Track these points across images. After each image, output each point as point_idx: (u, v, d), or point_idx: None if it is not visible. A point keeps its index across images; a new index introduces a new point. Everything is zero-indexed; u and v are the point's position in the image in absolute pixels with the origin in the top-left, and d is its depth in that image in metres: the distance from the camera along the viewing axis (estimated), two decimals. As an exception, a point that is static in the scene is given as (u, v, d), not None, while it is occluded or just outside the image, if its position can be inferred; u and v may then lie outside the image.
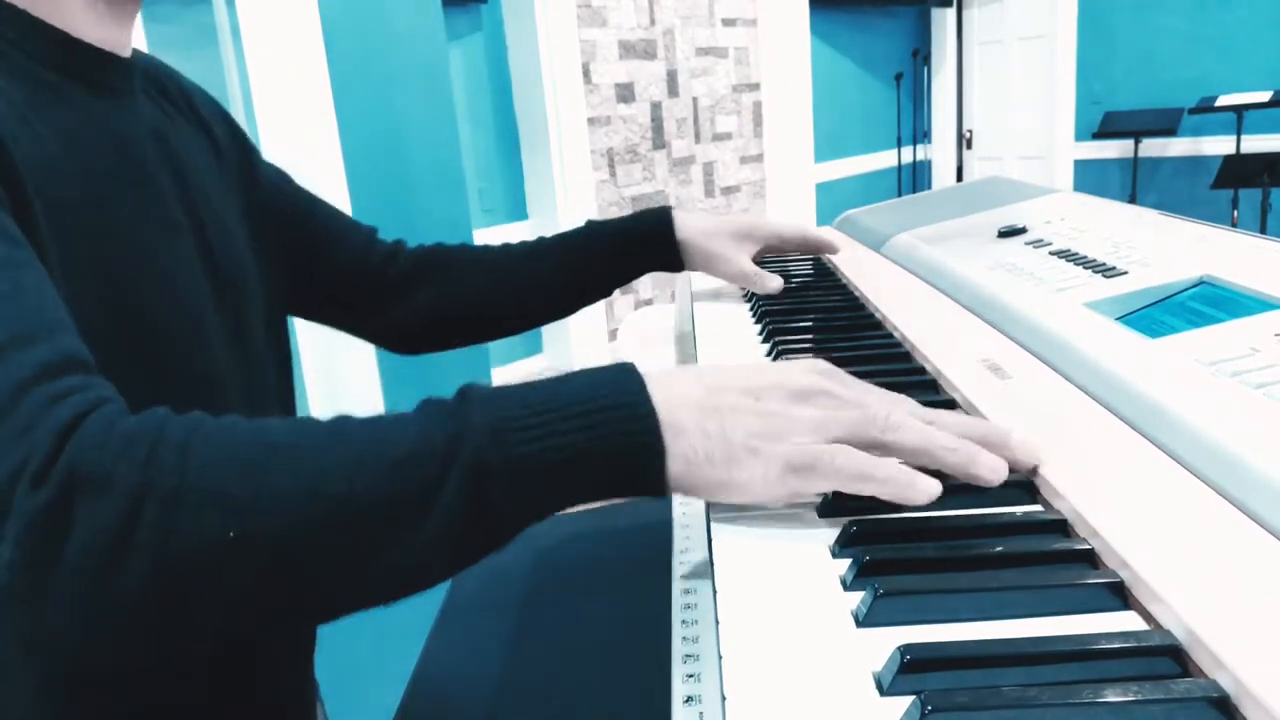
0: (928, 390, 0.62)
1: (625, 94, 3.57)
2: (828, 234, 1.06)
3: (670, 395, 0.43)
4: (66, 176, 0.53)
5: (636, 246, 0.90)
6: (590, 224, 0.92)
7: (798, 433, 0.44)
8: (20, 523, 0.35)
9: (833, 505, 0.46)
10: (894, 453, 0.46)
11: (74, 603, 0.36)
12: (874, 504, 0.45)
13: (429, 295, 0.88)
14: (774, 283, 0.91)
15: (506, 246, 0.92)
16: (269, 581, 0.39)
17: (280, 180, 0.83)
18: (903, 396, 0.50)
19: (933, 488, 0.44)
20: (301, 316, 0.87)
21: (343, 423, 0.42)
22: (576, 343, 3.39)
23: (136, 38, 0.68)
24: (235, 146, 0.77)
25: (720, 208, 4.10)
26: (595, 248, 0.91)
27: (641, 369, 0.45)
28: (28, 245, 0.46)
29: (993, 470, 0.46)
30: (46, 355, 0.40)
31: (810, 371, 0.48)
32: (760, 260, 0.96)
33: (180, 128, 0.68)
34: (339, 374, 1.42)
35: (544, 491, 0.41)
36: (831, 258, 1.06)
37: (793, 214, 4.42)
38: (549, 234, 0.92)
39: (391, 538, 0.39)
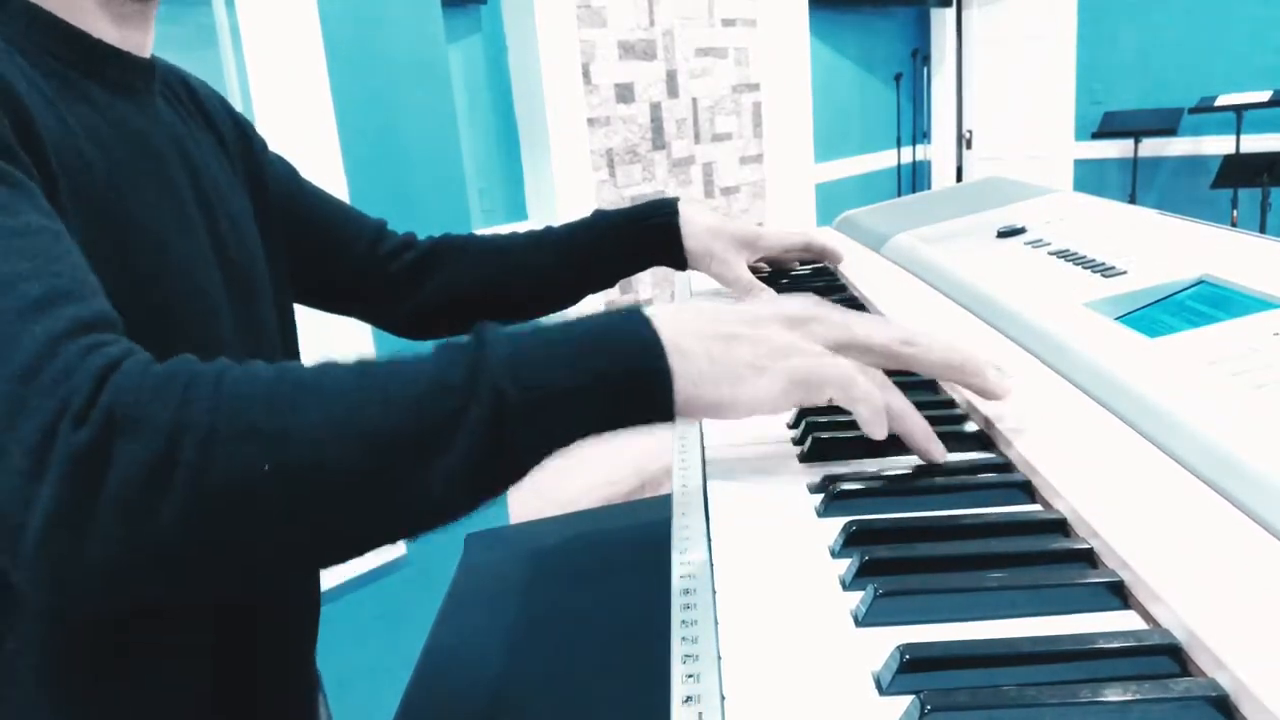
0: (927, 390, 0.62)
1: (625, 94, 3.56)
2: (829, 237, 1.06)
3: (675, 325, 0.46)
4: (89, 166, 0.55)
5: (641, 237, 0.90)
6: (597, 213, 0.92)
7: (794, 352, 0.48)
8: (63, 461, 0.37)
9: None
10: (874, 359, 0.50)
11: (115, 536, 0.38)
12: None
13: (438, 283, 0.89)
14: (762, 294, 0.90)
15: (515, 235, 0.93)
16: (301, 513, 0.40)
17: (288, 175, 0.84)
18: (892, 323, 0.53)
19: (880, 429, 0.48)
20: (315, 306, 0.88)
21: (365, 363, 0.43)
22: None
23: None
24: (243, 143, 0.78)
25: (720, 208, 4.10)
26: (601, 238, 0.91)
27: (648, 309, 0.48)
28: (59, 218, 0.48)
29: (978, 374, 0.51)
30: (85, 311, 0.43)
31: (804, 302, 0.51)
32: (758, 267, 0.96)
33: (193, 128, 0.70)
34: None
35: (559, 420, 0.43)
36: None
37: (792, 214, 4.42)
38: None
39: (417, 468, 0.41)
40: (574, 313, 0.94)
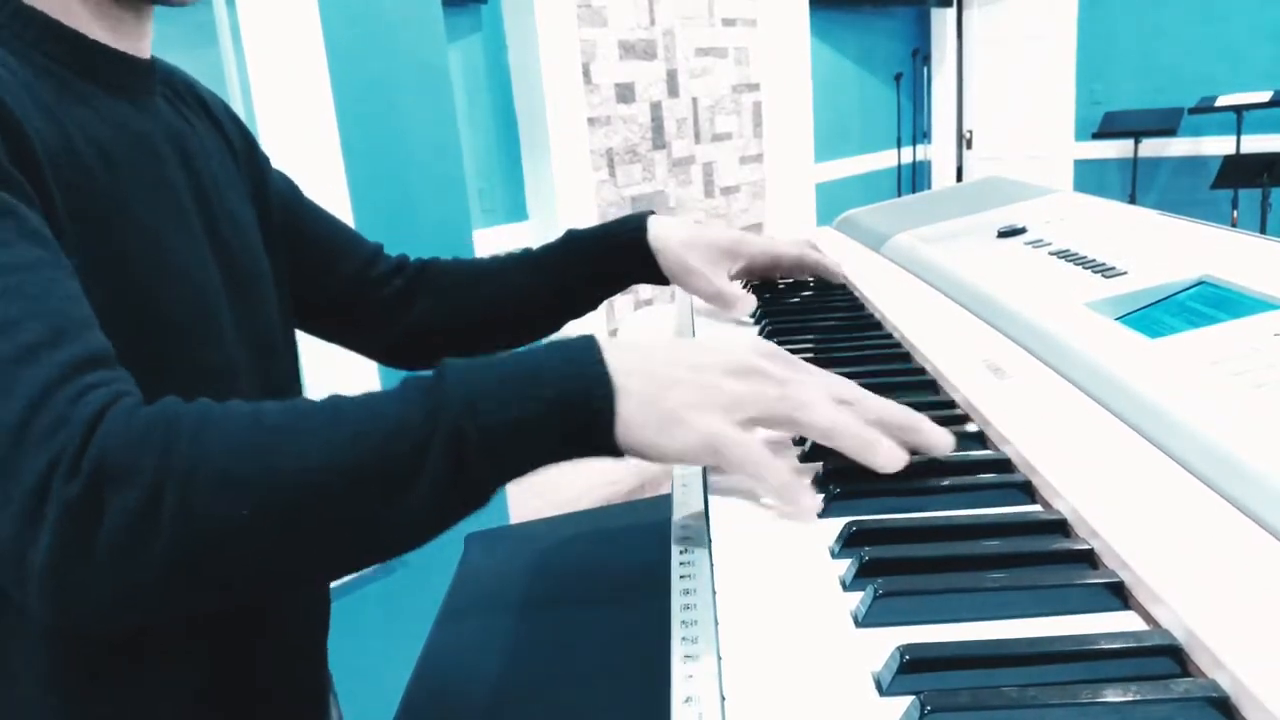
0: (928, 390, 0.62)
1: (625, 94, 3.56)
2: (829, 241, 1.04)
3: (622, 364, 0.47)
4: (87, 168, 0.55)
5: (613, 255, 0.86)
6: (568, 233, 0.89)
7: (722, 406, 0.48)
8: (58, 510, 0.40)
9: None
10: (803, 431, 0.50)
11: (108, 577, 0.41)
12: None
13: (421, 309, 0.88)
14: (744, 306, 0.85)
15: (494, 259, 0.91)
16: (281, 550, 0.43)
17: (289, 191, 0.84)
18: (840, 379, 0.52)
19: (814, 506, 0.47)
20: (303, 329, 0.87)
21: (335, 401, 0.46)
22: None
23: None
24: (248, 154, 0.78)
25: (720, 208, 4.10)
26: (571, 258, 0.87)
27: (602, 340, 0.49)
28: (55, 244, 0.49)
29: (888, 459, 0.48)
30: (73, 353, 0.45)
31: (753, 351, 0.51)
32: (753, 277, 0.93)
33: (196, 131, 0.69)
34: (338, 370, 1.42)
35: (514, 453, 0.46)
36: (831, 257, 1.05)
37: (792, 214, 4.42)
38: (549, 234, 0.91)
39: (385, 504, 0.44)
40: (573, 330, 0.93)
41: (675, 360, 0.49)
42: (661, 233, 0.85)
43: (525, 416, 0.45)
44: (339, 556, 0.46)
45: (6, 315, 0.44)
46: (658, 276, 0.86)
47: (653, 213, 0.87)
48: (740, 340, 0.53)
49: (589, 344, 0.48)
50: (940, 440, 0.50)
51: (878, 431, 0.49)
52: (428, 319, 0.88)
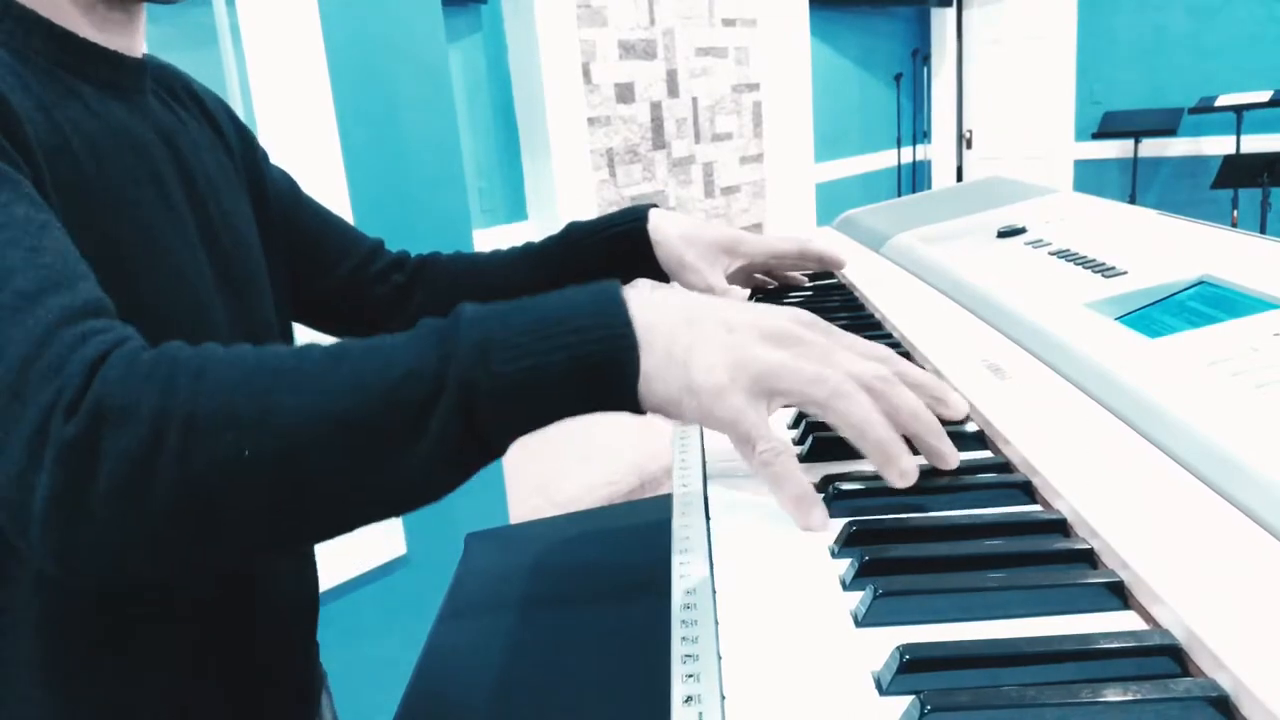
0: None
1: (625, 94, 3.56)
2: (827, 239, 1.03)
3: (648, 316, 0.45)
4: (78, 162, 0.55)
5: (613, 247, 0.86)
6: (570, 225, 0.88)
7: (753, 374, 0.45)
8: (56, 452, 0.39)
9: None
10: (831, 420, 0.47)
11: (107, 521, 0.40)
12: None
13: (420, 304, 0.88)
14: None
15: (494, 253, 0.91)
16: (281, 495, 0.42)
17: (288, 187, 0.84)
18: (883, 356, 0.50)
19: (823, 523, 0.45)
20: (302, 323, 0.87)
21: (344, 347, 0.44)
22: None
23: (136, 38, 0.69)
24: (245, 150, 0.78)
25: (720, 208, 4.10)
26: (572, 251, 0.87)
27: (627, 290, 0.47)
28: (48, 208, 0.49)
29: (903, 474, 0.46)
30: (72, 300, 0.44)
31: (792, 318, 0.49)
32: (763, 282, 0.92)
33: (190, 128, 0.70)
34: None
35: (528, 407, 0.44)
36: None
37: (792, 214, 4.42)
38: (548, 234, 0.91)
39: (391, 453, 0.42)
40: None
41: (703, 317, 0.47)
42: (662, 225, 0.84)
43: (541, 367, 0.43)
44: (339, 508, 0.44)
45: (4, 263, 0.44)
46: (656, 271, 0.86)
47: (655, 206, 0.87)
48: (775, 308, 0.50)
49: (613, 293, 0.46)
50: (951, 455, 0.49)
51: (903, 445, 0.47)
52: (427, 314, 0.88)
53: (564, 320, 0.44)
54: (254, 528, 0.43)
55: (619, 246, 0.86)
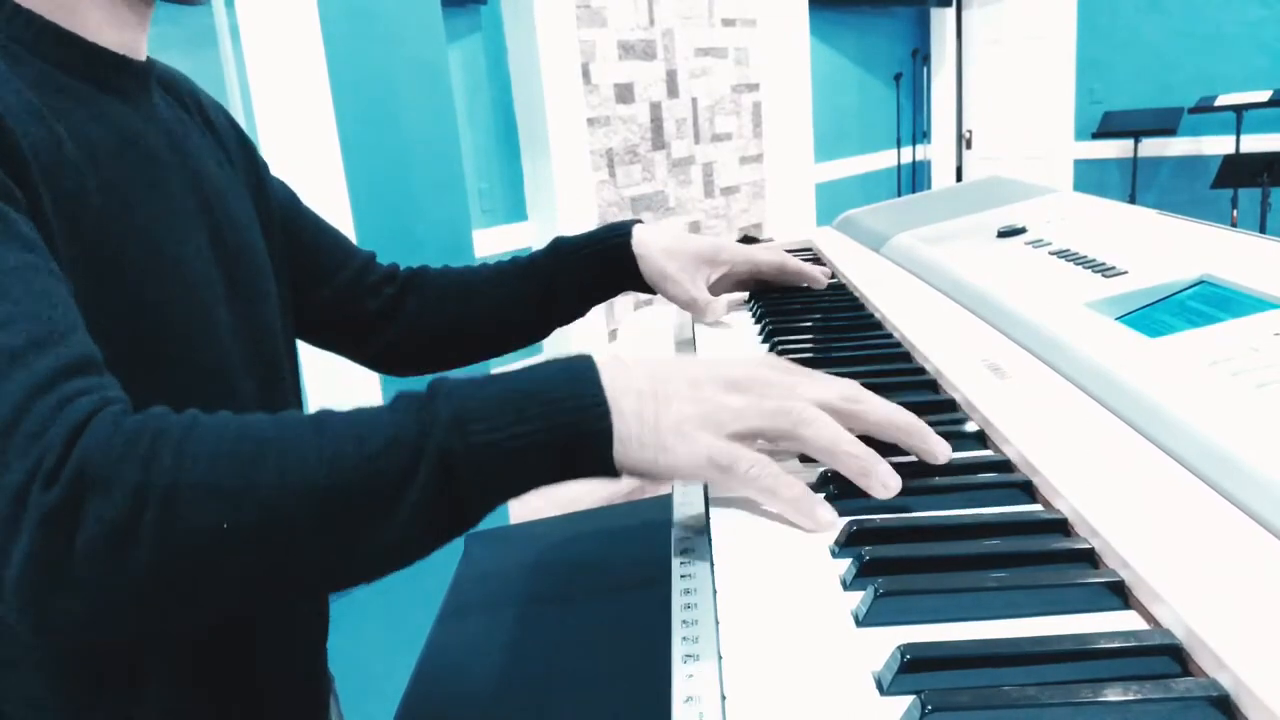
0: (927, 390, 0.62)
1: (625, 94, 3.56)
2: (825, 238, 1.03)
3: (620, 381, 0.46)
4: (79, 171, 0.54)
5: (598, 262, 0.87)
6: (557, 241, 0.89)
7: (724, 420, 0.47)
8: (35, 519, 0.39)
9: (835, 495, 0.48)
10: (803, 447, 0.48)
11: (85, 590, 0.40)
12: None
13: (409, 318, 0.88)
14: (715, 313, 0.86)
15: (486, 266, 0.91)
16: (261, 564, 0.42)
17: (287, 198, 0.84)
18: (845, 381, 0.51)
19: (829, 519, 0.46)
20: (297, 337, 0.87)
21: (324, 417, 0.45)
22: (577, 343, 3.40)
23: (136, 38, 0.69)
24: (246, 158, 0.77)
25: (720, 208, 4.10)
26: (558, 265, 0.88)
27: (599, 358, 0.48)
28: (42, 246, 0.48)
29: (884, 485, 0.47)
30: (58, 360, 0.44)
31: (755, 364, 0.51)
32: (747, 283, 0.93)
33: (193, 133, 0.69)
34: (340, 374, 1.42)
35: (504, 477, 0.45)
36: (831, 258, 1.06)
37: (792, 214, 4.42)
38: (549, 234, 0.91)
39: (370, 522, 0.43)
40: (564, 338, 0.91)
41: (670, 376, 0.48)
42: (645, 240, 0.86)
43: (517, 437, 0.44)
44: (318, 575, 0.45)
45: None
46: (642, 284, 0.87)
47: (639, 221, 0.88)
48: (745, 355, 0.52)
49: (586, 364, 0.47)
50: (940, 449, 0.50)
51: (877, 456, 0.48)
52: (416, 327, 0.88)
53: (538, 393, 0.45)
54: (232, 594, 0.43)
55: (604, 261, 0.87)
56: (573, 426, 0.45)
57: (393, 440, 0.43)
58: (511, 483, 0.45)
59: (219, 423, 0.44)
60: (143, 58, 0.64)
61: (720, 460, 0.46)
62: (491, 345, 0.91)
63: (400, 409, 0.45)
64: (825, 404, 0.49)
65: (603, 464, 0.46)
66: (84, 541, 0.39)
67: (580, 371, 0.47)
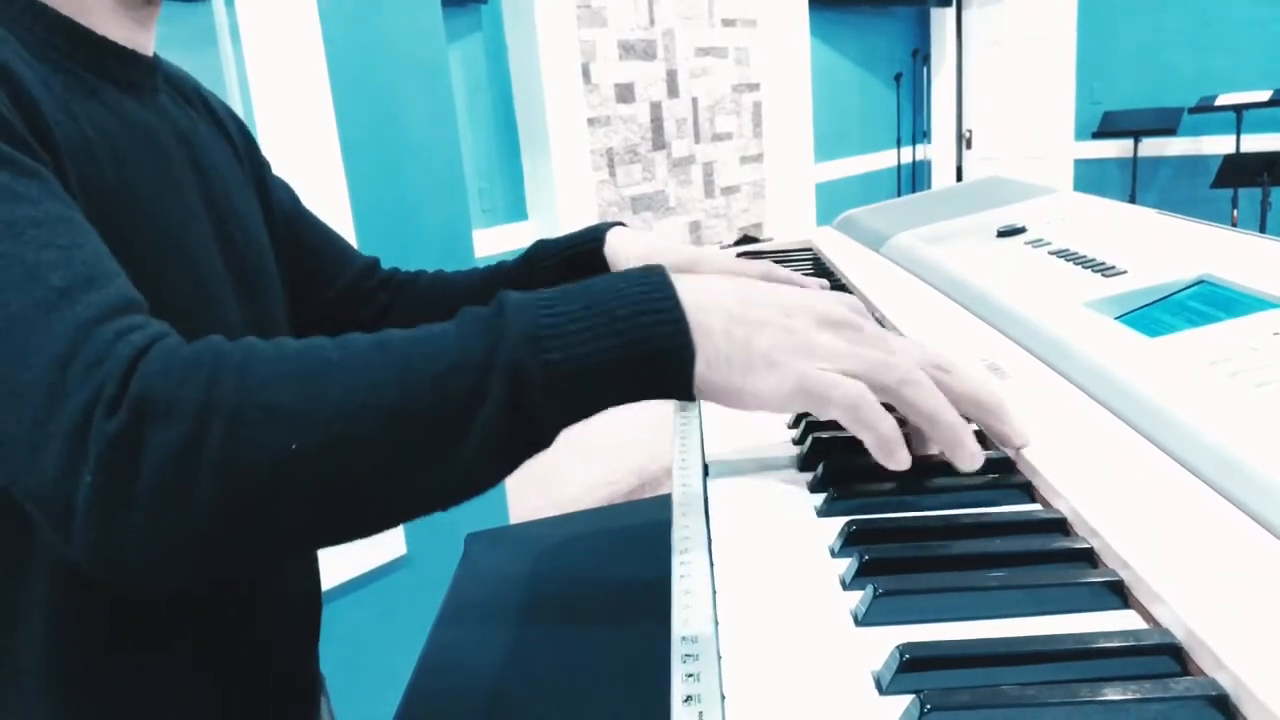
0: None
1: (625, 94, 3.57)
2: (825, 238, 1.03)
3: (700, 299, 0.45)
4: (97, 162, 0.55)
5: (570, 269, 0.85)
6: (535, 245, 0.88)
7: (818, 355, 0.45)
8: (98, 448, 0.39)
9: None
10: (901, 406, 0.46)
11: (154, 517, 0.39)
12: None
13: (394, 325, 0.88)
14: None
15: (475, 270, 0.91)
16: (328, 491, 0.41)
17: (289, 199, 0.84)
18: (923, 345, 0.50)
19: (905, 461, 0.45)
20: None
21: (388, 337, 0.44)
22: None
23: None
24: (250, 157, 0.78)
25: (720, 208, 4.10)
26: (535, 271, 0.86)
27: (674, 275, 0.46)
28: (75, 206, 0.49)
29: (971, 459, 0.46)
30: (108, 298, 0.44)
31: (841, 304, 0.49)
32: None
33: (202, 129, 0.70)
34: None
35: (580, 395, 0.43)
36: (831, 258, 1.06)
37: (792, 214, 4.42)
38: (549, 234, 0.91)
39: (440, 445, 0.42)
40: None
41: (760, 300, 0.46)
42: (619, 245, 0.84)
43: (593, 355, 0.42)
44: (386, 502, 0.43)
45: (40, 260, 0.44)
46: None
47: (621, 224, 0.86)
48: (823, 293, 0.50)
49: (660, 278, 0.46)
50: (1020, 433, 0.48)
51: (970, 430, 0.46)
52: None
53: (614, 307, 0.44)
54: (299, 523, 0.42)
55: (575, 267, 0.85)
56: (652, 344, 0.43)
57: (461, 358, 0.42)
58: (585, 401, 0.44)
59: (280, 345, 0.43)
60: (150, 54, 0.65)
61: (814, 387, 0.44)
62: None
63: (467, 325, 0.44)
64: (919, 365, 0.47)
65: (682, 382, 0.44)
66: (150, 467, 0.39)
67: (656, 285, 0.45)
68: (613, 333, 0.43)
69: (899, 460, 0.45)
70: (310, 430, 0.40)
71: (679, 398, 0.45)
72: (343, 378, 0.41)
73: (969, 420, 0.48)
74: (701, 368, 0.44)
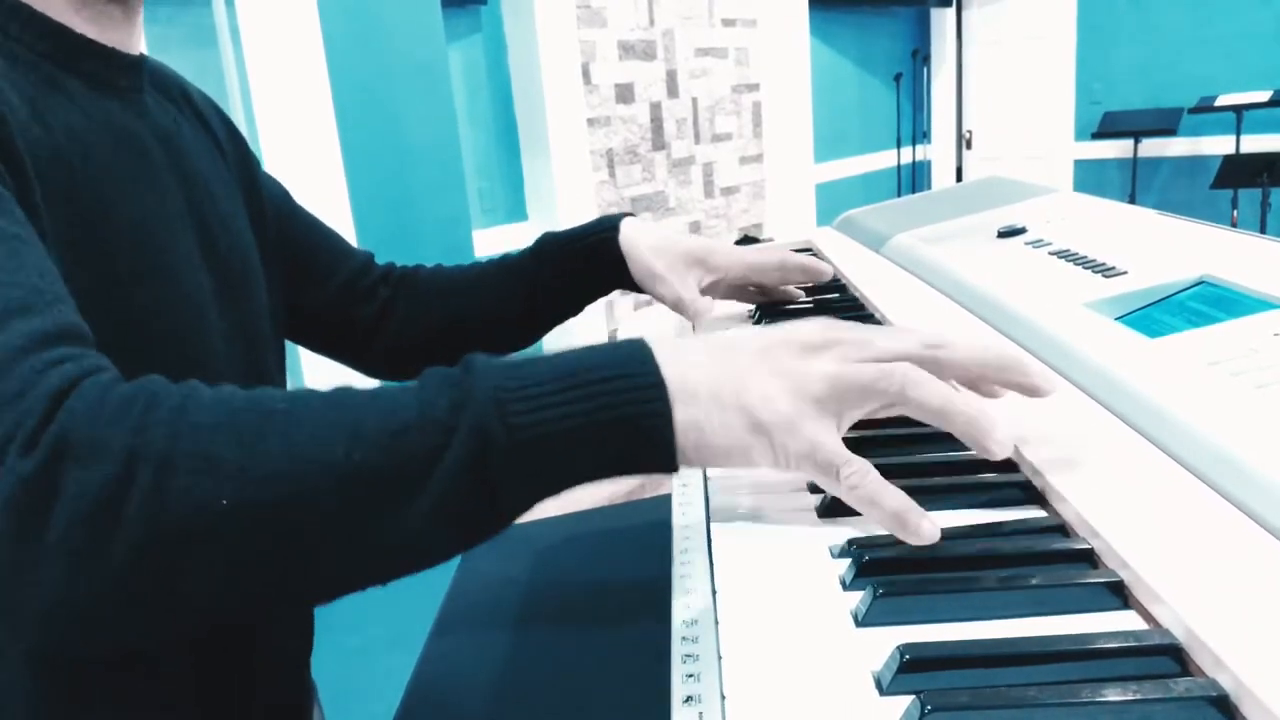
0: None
1: (625, 94, 3.56)
2: (825, 238, 1.02)
3: (680, 361, 0.42)
4: (70, 168, 0.53)
5: (584, 258, 0.84)
6: (544, 237, 0.87)
7: (817, 395, 0.43)
8: (7, 490, 0.35)
9: (832, 506, 0.46)
10: (911, 411, 0.44)
11: (63, 573, 0.35)
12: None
13: (401, 320, 0.87)
14: (703, 314, 0.83)
15: (475, 265, 0.90)
16: (262, 552, 0.38)
17: (281, 197, 0.82)
18: (911, 329, 0.47)
19: (933, 533, 0.42)
20: (289, 339, 0.85)
21: (342, 392, 0.41)
22: (578, 343, 3.38)
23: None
24: (239, 156, 0.76)
25: (720, 208, 4.10)
26: (545, 262, 0.85)
27: (653, 340, 0.44)
28: (29, 224, 0.46)
29: (1000, 446, 0.44)
30: (43, 325, 0.40)
31: (820, 322, 0.47)
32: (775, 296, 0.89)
33: (186, 130, 0.68)
34: (340, 378, 1.42)
35: (549, 464, 0.40)
36: (831, 257, 1.05)
37: (792, 214, 4.42)
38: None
39: (388, 510, 0.38)
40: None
41: (734, 346, 0.44)
42: (633, 236, 0.83)
43: (563, 423, 0.39)
44: (324, 569, 0.40)
45: None
46: (629, 282, 0.84)
47: (630, 215, 0.85)
48: (797, 321, 0.47)
49: (638, 345, 0.43)
50: (1045, 381, 0.46)
51: (989, 414, 0.44)
52: (405, 330, 0.87)
53: (590, 373, 0.41)
54: (226, 590, 0.38)
55: (590, 257, 0.84)
56: (630, 404, 0.40)
57: (420, 417, 0.39)
58: (555, 473, 0.40)
59: (224, 392, 0.40)
60: (134, 53, 0.62)
61: (822, 455, 0.42)
62: (483, 346, 0.88)
63: (430, 385, 0.41)
64: (909, 356, 0.45)
65: (661, 453, 0.41)
66: (61, 517, 0.35)
67: (632, 349, 0.43)
68: (587, 396, 0.40)
69: (923, 537, 0.41)
70: (245, 484, 0.36)
71: (659, 469, 0.42)
72: (287, 430, 0.38)
73: (990, 389, 0.46)
74: (693, 436, 0.41)
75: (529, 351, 0.49)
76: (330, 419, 0.39)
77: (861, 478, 0.43)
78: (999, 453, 0.44)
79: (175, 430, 0.37)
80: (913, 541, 0.41)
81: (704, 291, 0.85)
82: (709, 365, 0.43)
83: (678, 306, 0.83)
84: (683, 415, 0.41)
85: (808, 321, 0.47)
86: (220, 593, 0.38)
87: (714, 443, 0.42)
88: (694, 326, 0.87)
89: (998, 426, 0.44)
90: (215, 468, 0.36)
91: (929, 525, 0.42)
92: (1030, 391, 0.47)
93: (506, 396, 0.39)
